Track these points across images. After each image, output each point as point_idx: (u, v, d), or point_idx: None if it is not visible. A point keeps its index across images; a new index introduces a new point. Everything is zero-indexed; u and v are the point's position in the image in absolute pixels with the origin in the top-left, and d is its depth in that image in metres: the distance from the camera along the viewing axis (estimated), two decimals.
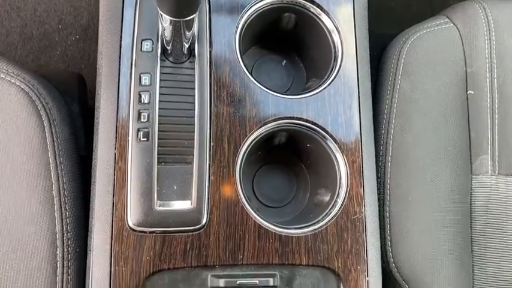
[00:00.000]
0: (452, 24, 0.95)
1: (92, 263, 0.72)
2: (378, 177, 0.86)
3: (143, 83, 0.76)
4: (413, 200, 0.85)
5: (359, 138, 0.83)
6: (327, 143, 0.82)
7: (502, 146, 0.89)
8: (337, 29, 0.86)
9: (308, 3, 0.86)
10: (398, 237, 0.85)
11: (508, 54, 0.92)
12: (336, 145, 0.82)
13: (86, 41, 1.52)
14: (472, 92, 0.92)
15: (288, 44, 0.95)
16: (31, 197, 0.76)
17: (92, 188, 0.76)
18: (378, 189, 0.85)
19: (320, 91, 0.83)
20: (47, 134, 0.79)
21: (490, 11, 0.94)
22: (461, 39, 0.94)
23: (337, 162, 0.82)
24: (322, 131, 0.82)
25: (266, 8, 0.85)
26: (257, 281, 0.75)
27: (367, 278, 0.79)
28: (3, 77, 0.80)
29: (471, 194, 0.90)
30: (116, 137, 0.75)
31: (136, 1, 0.80)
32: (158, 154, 0.75)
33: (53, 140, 0.79)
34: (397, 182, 0.87)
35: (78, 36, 1.53)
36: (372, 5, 0.94)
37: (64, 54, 1.51)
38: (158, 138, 0.75)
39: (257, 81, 0.82)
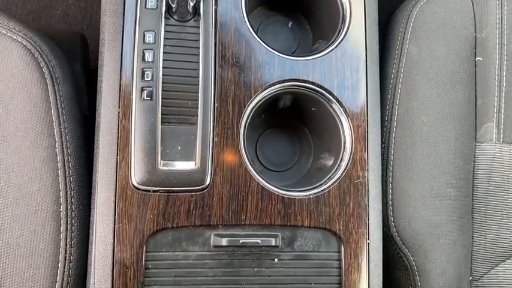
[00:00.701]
0: None
1: (96, 220, 0.73)
2: (382, 142, 0.86)
3: (147, 41, 0.75)
4: (417, 166, 0.85)
5: (365, 103, 0.82)
6: (332, 107, 0.82)
7: (508, 114, 0.89)
8: None
9: None
10: (400, 202, 0.85)
11: None
12: (341, 109, 0.81)
13: (87, 0, 1.49)
14: (481, 59, 0.90)
15: (295, 4, 0.93)
16: (34, 154, 0.76)
17: (95, 146, 0.76)
18: (382, 154, 0.85)
19: (327, 53, 0.81)
20: (49, 92, 0.78)
21: None
22: (472, 3, 0.92)
23: (342, 126, 0.82)
24: (327, 94, 0.81)
25: None
26: (259, 241, 0.76)
27: (367, 241, 0.79)
28: (5, 33, 0.79)
29: (474, 162, 0.89)
30: (120, 96, 0.75)
31: None
32: (162, 114, 0.74)
33: (56, 98, 0.79)
34: (401, 147, 0.86)
35: None
36: None
37: (65, 14, 1.49)
38: (162, 98, 0.74)
39: (263, 42, 0.80)
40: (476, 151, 0.90)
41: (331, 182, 0.80)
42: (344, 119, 0.82)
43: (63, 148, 0.78)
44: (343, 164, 0.81)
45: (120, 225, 0.73)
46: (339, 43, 0.82)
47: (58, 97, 0.79)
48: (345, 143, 0.82)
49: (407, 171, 0.86)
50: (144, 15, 0.76)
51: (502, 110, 0.89)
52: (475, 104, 0.90)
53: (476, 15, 0.91)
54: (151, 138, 0.74)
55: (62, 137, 0.78)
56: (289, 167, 0.92)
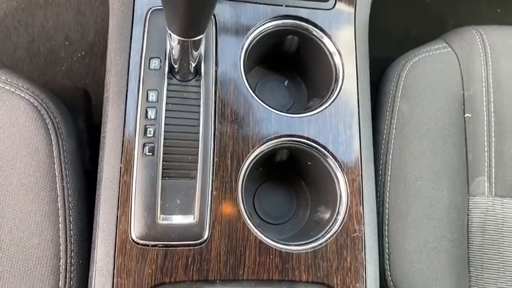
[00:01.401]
0: (450, 49, 0.98)
1: (95, 275, 0.73)
2: (377, 196, 0.88)
3: (150, 100, 0.78)
4: (412, 219, 0.87)
5: (359, 158, 0.84)
6: (327, 161, 0.84)
7: (498, 168, 0.91)
8: (338, 51, 0.89)
9: (311, 27, 0.89)
10: (397, 256, 0.86)
11: (504, 79, 0.94)
12: (336, 163, 0.84)
13: (91, 57, 1.55)
14: (470, 115, 0.94)
15: (291, 64, 0.98)
16: (36, 208, 0.77)
17: (96, 201, 0.77)
18: (377, 207, 0.87)
19: (321, 111, 0.85)
20: (53, 147, 0.81)
21: (486, 36, 0.97)
22: (459, 63, 0.96)
23: (338, 180, 0.84)
24: (322, 149, 0.84)
25: (270, 30, 0.88)
26: None
27: None
28: (13, 90, 0.82)
29: (468, 215, 0.91)
30: (122, 151, 0.77)
31: (145, 19, 0.82)
32: (163, 168, 0.76)
33: (60, 153, 0.81)
34: (396, 201, 0.88)
35: (84, 53, 1.56)
36: (372, 29, 0.97)
37: (69, 70, 1.54)
38: (163, 153, 0.76)
39: (260, 100, 0.84)
40: (470, 204, 0.91)
41: (329, 235, 0.81)
42: (339, 173, 0.84)
43: (64, 202, 0.79)
44: (340, 218, 0.82)
45: (119, 279, 0.73)
46: (333, 101, 0.86)
47: (62, 152, 0.81)
48: (340, 196, 0.83)
49: (403, 225, 0.87)
50: (147, 75, 0.79)
51: (493, 165, 0.91)
52: (466, 158, 0.93)
53: (463, 75, 0.96)
54: (151, 193, 0.75)
55: (64, 191, 0.79)
56: (287, 220, 0.93)
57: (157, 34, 0.81)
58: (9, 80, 0.84)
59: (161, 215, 0.75)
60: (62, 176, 0.80)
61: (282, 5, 0.88)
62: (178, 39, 0.67)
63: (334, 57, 0.89)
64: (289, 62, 0.97)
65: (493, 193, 0.90)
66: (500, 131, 0.92)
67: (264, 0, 0.87)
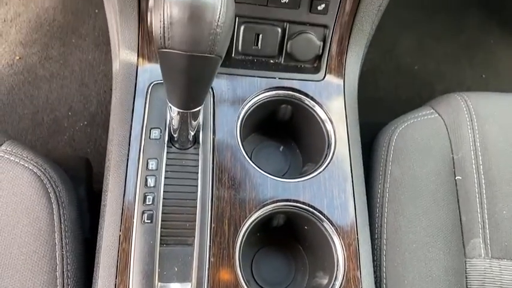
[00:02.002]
0: (437, 115, 1.02)
1: None
2: (374, 260, 0.88)
3: (150, 168, 0.80)
4: (409, 283, 0.86)
5: (354, 221, 0.86)
6: (323, 225, 0.85)
7: (492, 230, 0.92)
8: (329, 119, 0.93)
9: (303, 97, 0.94)
10: None
11: (490, 142, 0.97)
12: (332, 227, 0.85)
13: (93, 126, 1.60)
14: (460, 178, 0.96)
15: (285, 131, 1.02)
16: (35, 278, 0.77)
17: (95, 269, 0.78)
18: (375, 271, 0.87)
19: (316, 175, 0.88)
20: (55, 216, 0.82)
21: (470, 102, 1.02)
22: (447, 128, 1.00)
23: (334, 244, 0.84)
24: (318, 214, 0.85)
25: (265, 100, 0.93)
26: None
27: None
28: (17, 161, 0.85)
29: (466, 278, 0.90)
30: (122, 219, 0.78)
31: (146, 92, 0.87)
32: (161, 236, 0.77)
33: (61, 222, 0.82)
34: (392, 265, 0.88)
35: (86, 122, 1.61)
36: (363, 95, 1.02)
37: (71, 139, 1.58)
38: (161, 220, 0.78)
39: (256, 166, 0.87)
40: (467, 267, 0.91)
41: None
42: (335, 238, 0.84)
43: (63, 271, 0.79)
44: (338, 283, 0.82)
45: None
46: (326, 166, 0.89)
47: (62, 221, 0.83)
48: (337, 261, 0.84)
49: None
50: (148, 145, 0.82)
51: (487, 226, 0.92)
52: (460, 221, 0.94)
53: (451, 139, 0.99)
54: (149, 261, 0.75)
55: (63, 260, 0.80)
56: (285, 287, 0.92)
57: (157, 106, 0.85)
58: (14, 151, 0.87)
59: (159, 283, 0.75)
60: (62, 244, 0.81)
61: (275, 78, 0.94)
62: (178, 111, 0.70)
63: (326, 124, 0.93)
64: (284, 129, 1.01)
65: (490, 255, 0.90)
66: (491, 192, 0.94)
67: (258, 73, 0.93)
